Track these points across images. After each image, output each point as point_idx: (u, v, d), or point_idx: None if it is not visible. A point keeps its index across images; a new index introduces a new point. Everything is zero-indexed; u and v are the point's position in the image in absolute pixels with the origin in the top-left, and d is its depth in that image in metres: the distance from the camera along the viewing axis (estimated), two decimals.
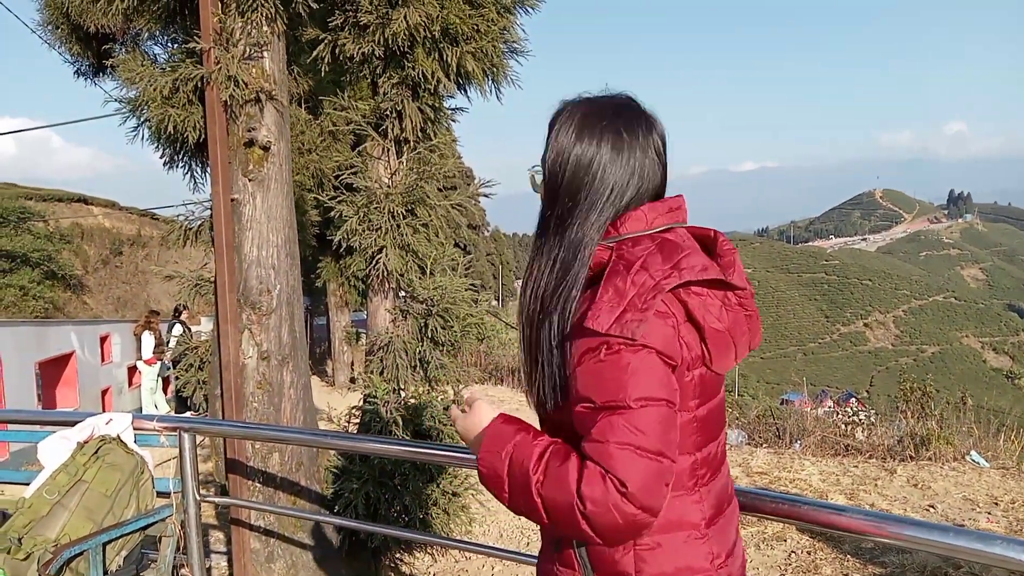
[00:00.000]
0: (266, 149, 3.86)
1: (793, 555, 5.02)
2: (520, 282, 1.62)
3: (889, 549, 4.79)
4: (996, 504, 5.82)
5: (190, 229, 4.10)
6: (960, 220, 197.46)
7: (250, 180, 3.83)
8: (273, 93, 3.89)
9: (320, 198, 4.06)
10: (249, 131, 3.82)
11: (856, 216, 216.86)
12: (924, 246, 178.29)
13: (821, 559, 4.92)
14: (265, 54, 3.88)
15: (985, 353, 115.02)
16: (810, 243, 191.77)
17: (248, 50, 3.81)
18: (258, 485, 3.81)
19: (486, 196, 4.03)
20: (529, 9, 4.66)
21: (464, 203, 4.15)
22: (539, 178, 1.41)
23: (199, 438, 3.14)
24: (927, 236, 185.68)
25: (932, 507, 5.86)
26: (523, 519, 1.72)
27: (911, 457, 7.28)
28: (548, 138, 1.39)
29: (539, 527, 1.41)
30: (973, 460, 7.14)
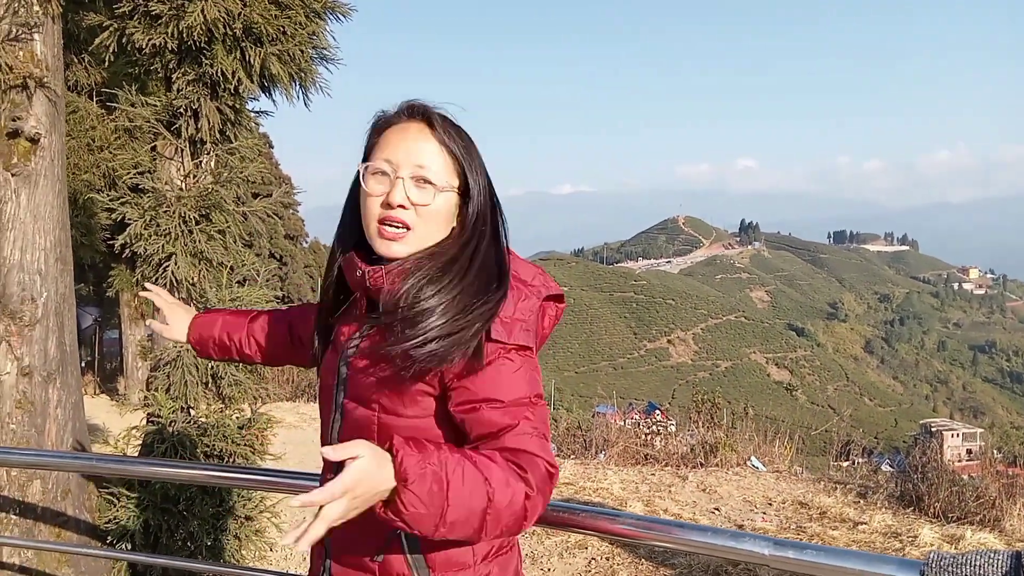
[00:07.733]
0: (34, 141, 3.45)
1: (593, 562, 5.21)
2: None
3: (678, 552, 5.10)
4: (770, 504, 6.40)
5: None
6: (750, 247, 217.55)
7: (13, 175, 3.41)
8: (45, 80, 3.50)
9: (98, 198, 3.68)
10: (14, 120, 3.40)
11: (662, 240, 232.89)
12: (719, 269, 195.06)
13: (618, 564, 5.14)
14: (36, 37, 3.48)
15: (769, 367, 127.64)
16: (621, 264, 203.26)
17: (15, 31, 3.40)
18: (14, 517, 3.37)
19: (284, 205, 3.85)
20: (341, 17, 4.53)
21: (261, 211, 3.93)
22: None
23: None
24: (722, 260, 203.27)
25: (717, 509, 6.33)
26: None
27: (701, 464, 7.84)
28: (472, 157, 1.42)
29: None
30: (753, 465, 7.82)
